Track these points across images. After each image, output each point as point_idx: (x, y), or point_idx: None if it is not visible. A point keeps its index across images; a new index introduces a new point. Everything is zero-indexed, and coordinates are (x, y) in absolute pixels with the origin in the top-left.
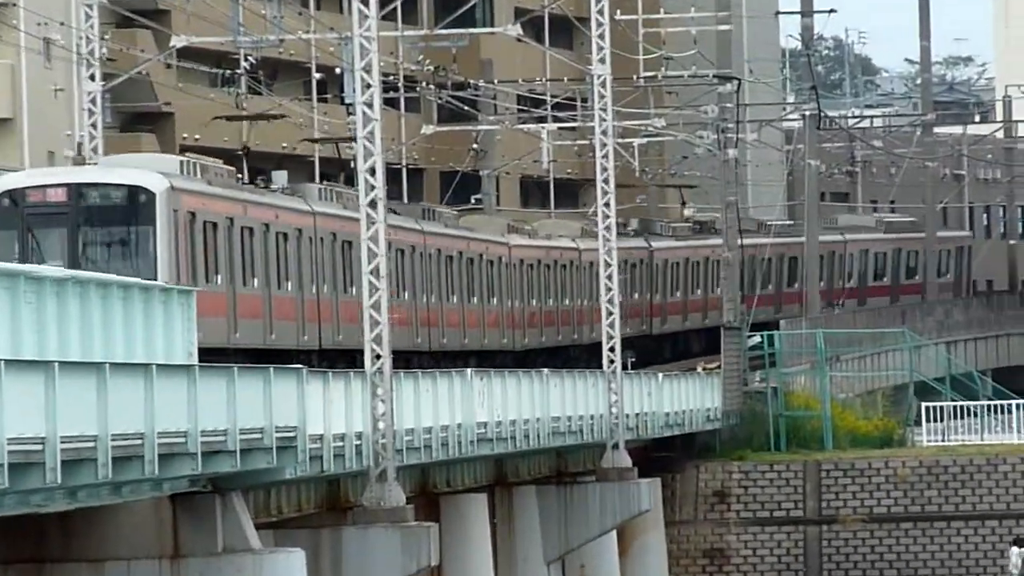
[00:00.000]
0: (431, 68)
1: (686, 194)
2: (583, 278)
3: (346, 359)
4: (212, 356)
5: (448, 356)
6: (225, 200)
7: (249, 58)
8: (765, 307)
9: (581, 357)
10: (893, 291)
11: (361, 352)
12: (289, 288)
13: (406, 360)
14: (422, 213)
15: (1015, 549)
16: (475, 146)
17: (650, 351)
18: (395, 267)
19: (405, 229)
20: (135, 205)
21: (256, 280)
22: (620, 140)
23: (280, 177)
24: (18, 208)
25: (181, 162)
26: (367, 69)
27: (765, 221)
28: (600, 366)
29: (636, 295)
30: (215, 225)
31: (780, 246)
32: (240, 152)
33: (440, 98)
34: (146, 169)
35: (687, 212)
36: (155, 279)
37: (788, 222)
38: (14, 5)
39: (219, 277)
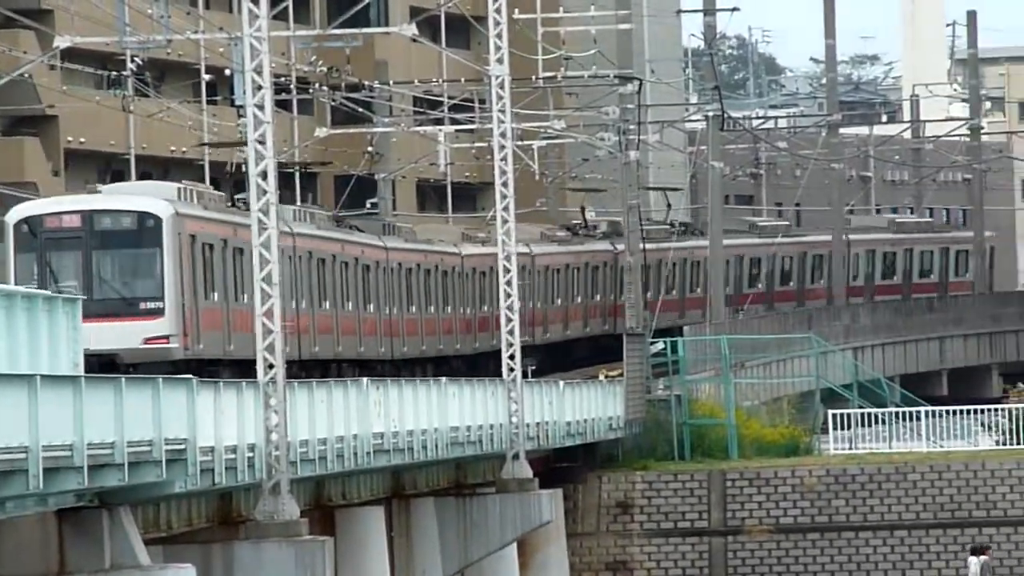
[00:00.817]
0: (324, 69)
1: (587, 197)
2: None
3: (321, 368)
4: (211, 368)
5: (320, 365)
6: (219, 223)
7: (136, 59)
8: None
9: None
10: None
11: (332, 361)
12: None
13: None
14: (383, 229)
15: (972, 558)
16: (370, 149)
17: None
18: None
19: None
20: (143, 229)
21: (246, 296)
22: (519, 142)
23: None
24: (36, 234)
25: (179, 189)
26: (258, 70)
27: (756, 222)
28: (494, 375)
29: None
30: (212, 246)
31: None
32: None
33: (334, 100)
34: (151, 196)
35: (588, 216)
36: (162, 298)
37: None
38: None
39: (215, 294)
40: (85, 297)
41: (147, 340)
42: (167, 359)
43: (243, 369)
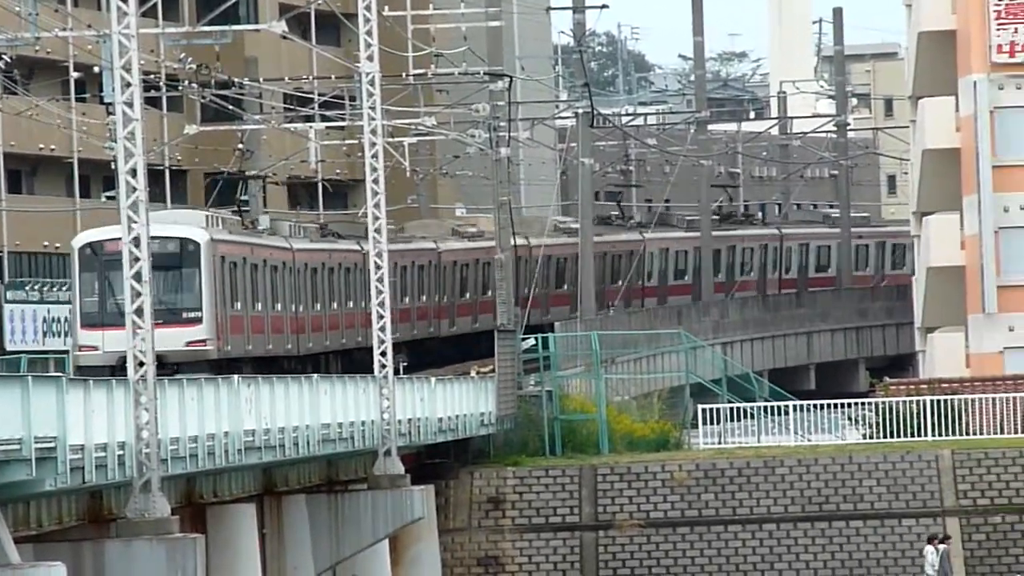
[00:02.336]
0: (194, 66)
1: (458, 194)
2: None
3: (314, 361)
4: (232, 366)
5: (235, 363)
6: (240, 245)
7: (4, 57)
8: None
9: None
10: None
11: (323, 354)
12: (279, 308)
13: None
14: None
15: (929, 547)
16: (240, 146)
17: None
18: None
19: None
20: (185, 253)
21: (259, 304)
22: (390, 139)
23: (264, 220)
24: (97, 256)
25: (206, 216)
26: (127, 68)
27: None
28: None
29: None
30: (235, 264)
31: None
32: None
33: (203, 97)
34: (191, 224)
35: (458, 212)
36: (201, 308)
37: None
38: None
39: (238, 304)
40: None
41: (189, 343)
42: (205, 359)
43: (261, 364)
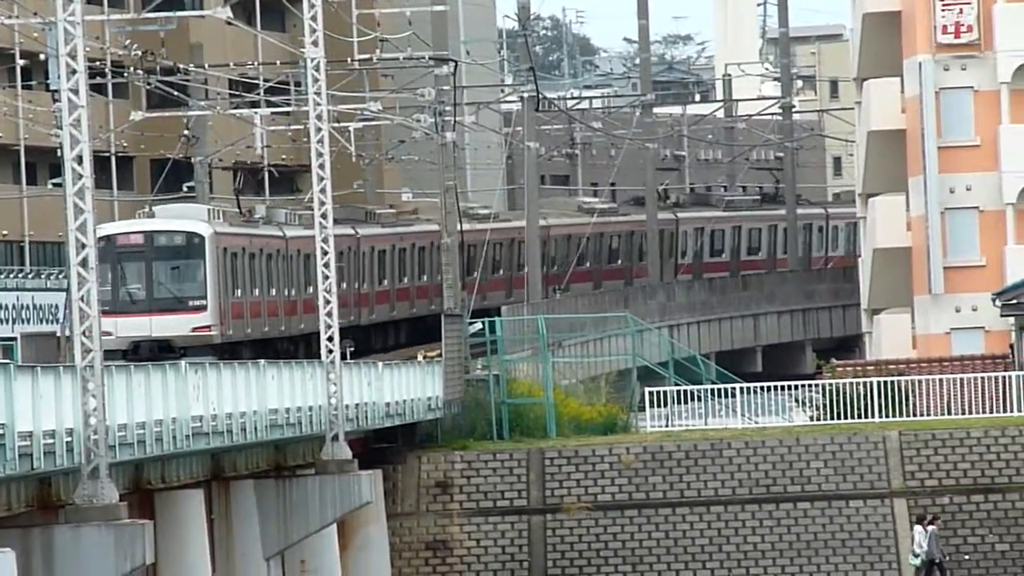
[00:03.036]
0: (139, 53)
1: (403, 178)
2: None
3: (306, 341)
4: (232, 347)
5: (236, 346)
6: (240, 236)
7: None
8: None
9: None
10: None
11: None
12: (273, 293)
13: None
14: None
15: (917, 528)
16: (186, 132)
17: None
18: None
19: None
20: (191, 245)
21: (256, 290)
22: (336, 124)
23: (260, 210)
24: (111, 247)
25: (208, 210)
26: (72, 55)
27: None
28: (313, 357)
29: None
30: (236, 254)
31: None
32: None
33: (149, 83)
34: (196, 219)
35: (404, 197)
36: (205, 296)
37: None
38: None
39: (238, 291)
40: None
41: (194, 329)
42: (209, 343)
43: (258, 346)
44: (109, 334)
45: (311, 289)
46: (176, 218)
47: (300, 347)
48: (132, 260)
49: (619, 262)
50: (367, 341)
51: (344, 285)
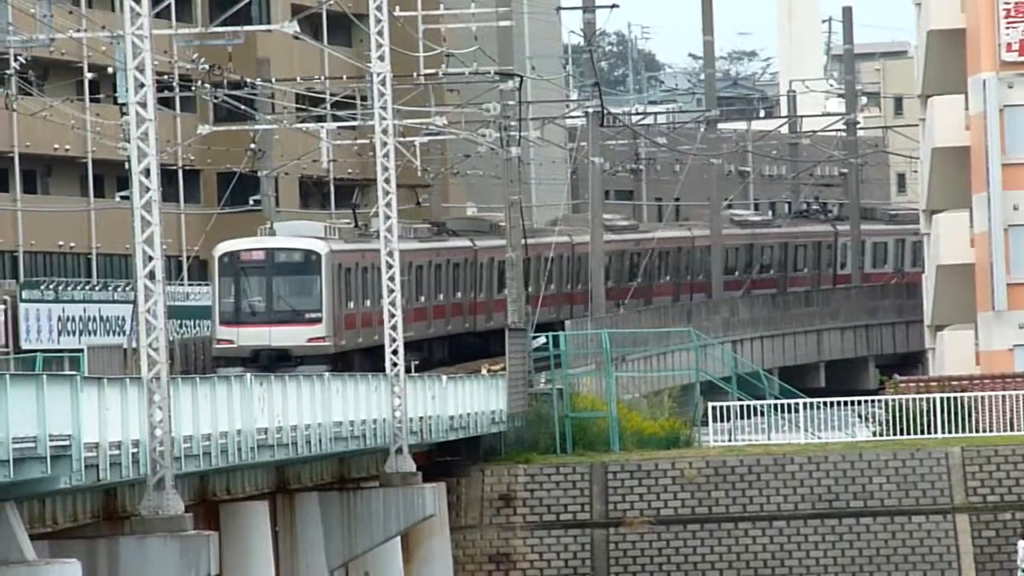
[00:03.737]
0: (206, 67)
1: (468, 193)
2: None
3: (417, 346)
4: (344, 356)
5: (348, 355)
6: (354, 252)
7: (19, 58)
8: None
9: (475, 344)
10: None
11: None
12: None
13: None
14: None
15: (1021, 543)
16: (253, 146)
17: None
18: None
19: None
20: (308, 262)
21: (367, 301)
22: (401, 139)
23: (375, 223)
24: (233, 263)
25: (325, 227)
26: (140, 68)
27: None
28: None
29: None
30: (349, 269)
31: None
32: (7, 155)
33: (216, 97)
34: (313, 236)
35: (469, 212)
36: (320, 309)
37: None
38: None
39: (351, 303)
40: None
41: (310, 339)
42: (324, 352)
43: (368, 354)
44: (231, 343)
45: (422, 299)
46: (295, 235)
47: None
48: (254, 275)
49: (771, 272)
50: (485, 348)
51: (460, 295)
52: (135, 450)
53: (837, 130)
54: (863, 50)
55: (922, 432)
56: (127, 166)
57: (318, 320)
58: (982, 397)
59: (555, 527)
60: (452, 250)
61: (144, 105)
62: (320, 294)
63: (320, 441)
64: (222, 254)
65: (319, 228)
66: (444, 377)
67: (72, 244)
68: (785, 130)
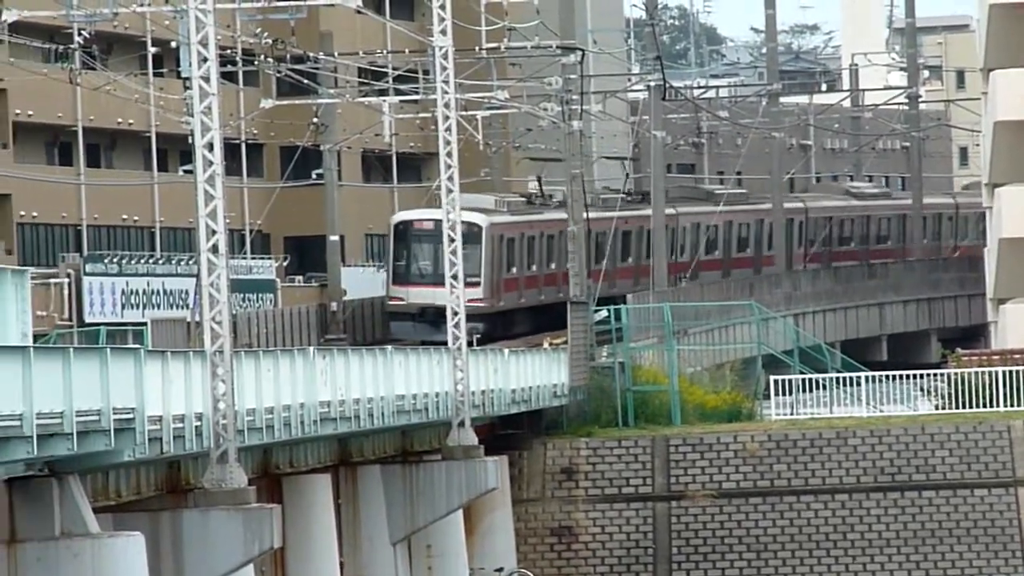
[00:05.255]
0: (269, 41)
1: (531, 167)
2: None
3: (505, 317)
4: (503, 315)
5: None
6: (517, 224)
7: (83, 32)
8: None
9: (550, 314)
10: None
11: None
12: (534, 269)
13: None
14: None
15: None
16: (315, 120)
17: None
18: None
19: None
20: (471, 233)
21: (534, 266)
22: (463, 113)
23: (558, 195)
24: (408, 230)
25: (495, 200)
26: (203, 43)
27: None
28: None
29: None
30: (512, 239)
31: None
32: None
33: (279, 71)
34: (479, 210)
35: (530, 186)
36: (479, 276)
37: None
38: None
39: (513, 269)
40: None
41: (469, 300)
42: (481, 312)
43: (530, 312)
44: (402, 300)
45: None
46: (465, 208)
47: (560, 313)
48: (424, 242)
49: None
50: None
51: (554, 265)
52: (198, 423)
53: (899, 104)
54: (925, 23)
55: (984, 405)
56: (190, 140)
57: (477, 284)
58: None
59: (617, 501)
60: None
61: (207, 79)
62: (480, 261)
63: (383, 414)
64: (397, 222)
65: (489, 201)
66: (506, 351)
67: (136, 218)
68: (847, 104)
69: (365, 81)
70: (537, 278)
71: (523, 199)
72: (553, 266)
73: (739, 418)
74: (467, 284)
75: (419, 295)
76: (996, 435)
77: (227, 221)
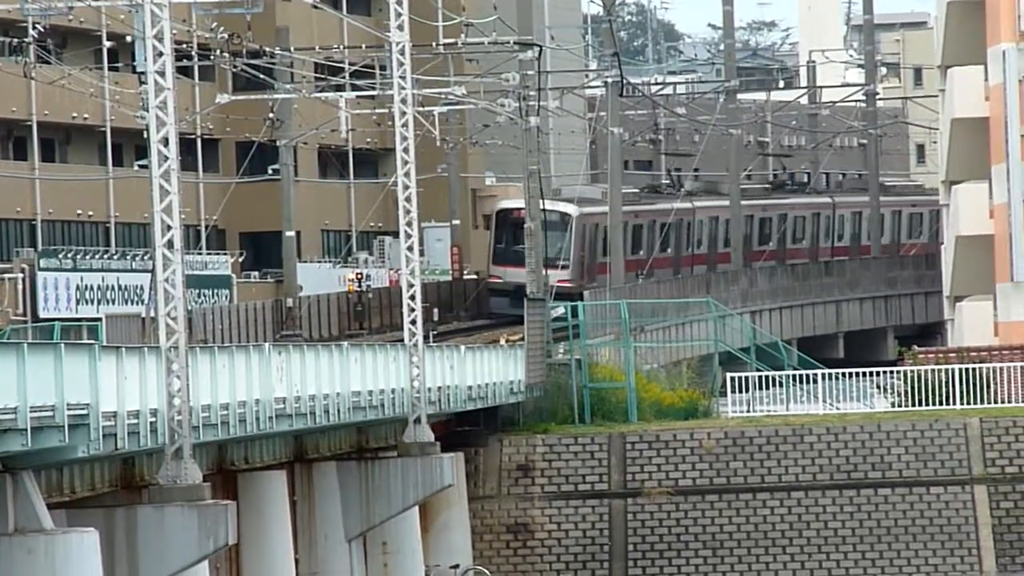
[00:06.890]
0: (225, 36)
1: (487, 162)
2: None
3: None
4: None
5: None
6: (603, 215)
7: (37, 26)
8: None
9: None
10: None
11: None
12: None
13: None
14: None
15: None
16: (271, 115)
17: None
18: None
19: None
20: (561, 221)
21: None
22: (420, 108)
23: (687, 184)
24: (508, 216)
25: (603, 191)
26: (159, 37)
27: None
28: None
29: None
30: (597, 226)
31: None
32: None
33: (235, 66)
34: (570, 200)
35: (488, 182)
36: (569, 259)
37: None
38: None
39: (598, 254)
40: None
41: (559, 281)
42: (569, 292)
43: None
44: (500, 279)
45: (668, 250)
46: (559, 200)
47: None
48: (521, 228)
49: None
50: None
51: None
52: (153, 419)
53: (856, 101)
54: (883, 20)
55: (940, 403)
56: (145, 135)
57: (566, 267)
58: (1000, 368)
59: (573, 497)
60: (668, 212)
61: (163, 74)
62: (569, 247)
63: (338, 410)
64: (499, 209)
65: (597, 192)
66: (462, 347)
67: (90, 213)
68: (804, 101)
69: (321, 76)
70: (628, 262)
71: (648, 190)
72: (641, 252)
73: (696, 415)
74: (559, 267)
75: (515, 275)
76: (952, 433)
77: (182, 216)
